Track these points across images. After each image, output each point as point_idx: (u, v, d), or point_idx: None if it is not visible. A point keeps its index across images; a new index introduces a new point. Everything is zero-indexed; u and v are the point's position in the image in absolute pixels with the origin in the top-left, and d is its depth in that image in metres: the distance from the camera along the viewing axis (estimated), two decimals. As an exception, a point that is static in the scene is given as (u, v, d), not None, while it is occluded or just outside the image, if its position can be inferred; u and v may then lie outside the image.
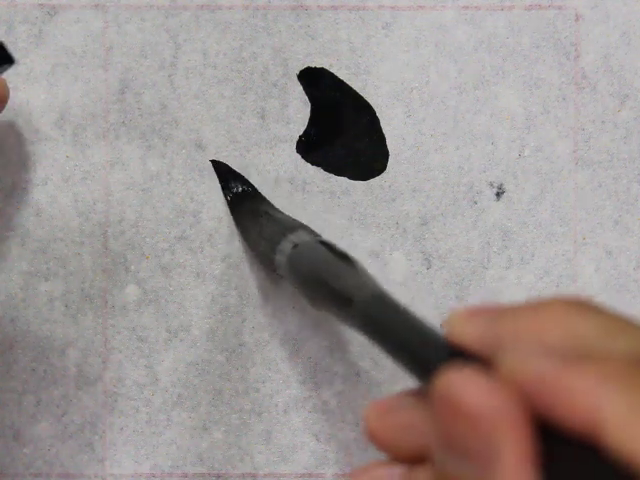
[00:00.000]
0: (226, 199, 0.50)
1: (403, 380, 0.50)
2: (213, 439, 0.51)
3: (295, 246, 0.43)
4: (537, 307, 0.30)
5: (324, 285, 0.39)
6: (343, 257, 0.40)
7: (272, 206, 0.50)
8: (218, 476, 0.51)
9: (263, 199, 0.50)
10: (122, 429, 0.50)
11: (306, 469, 0.51)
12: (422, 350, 0.31)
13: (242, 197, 0.50)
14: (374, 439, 0.33)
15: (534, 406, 0.28)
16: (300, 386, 0.51)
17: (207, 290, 0.51)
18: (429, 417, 0.31)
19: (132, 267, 0.50)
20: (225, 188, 0.50)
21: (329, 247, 0.42)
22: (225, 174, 0.50)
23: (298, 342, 0.51)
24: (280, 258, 0.44)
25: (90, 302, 0.50)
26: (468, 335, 0.31)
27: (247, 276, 0.51)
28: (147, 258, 0.51)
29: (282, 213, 0.49)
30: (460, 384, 0.28)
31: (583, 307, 0.30)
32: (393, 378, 0.51)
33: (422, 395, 0.32)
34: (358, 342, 0.51)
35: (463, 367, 0.29)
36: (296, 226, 0.46)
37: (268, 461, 0.51)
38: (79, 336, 0.50)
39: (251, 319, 0.51)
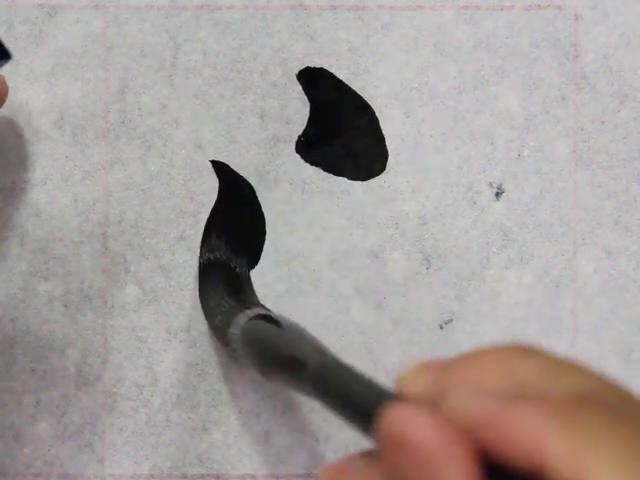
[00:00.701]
0: (199, 260, 0.50)
1: (403, 380, 0.50)
2: (212, 440, 0.51)
3: (250, 319, 0.44)
4: (478, 354, 0.31)
5: (277, 352, 0.40)
6: (294, 327, 0.42)
7: (241, 276, 0.50)
8: (217, 477, 0.51)
9: (233, 269, 0.50)
10: (122, 429, 0.50)
11: (305, 469, 0.51)
12: (376, 408, 0.31)
13: (213, 265, 0.50)
14: None
15: (478, 443, 0.28)
16: (300, 386, 0.51)
17: (207, 290, 0.51)
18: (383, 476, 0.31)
19: (132, 267, 0.50)
20: (202, 253, 0.50)
21: (280, 320, 0.43)
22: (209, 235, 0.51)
23: (298, 342, 0.51)
24: (234, 331, 0.45)
25: (90, 302, 0.50)
26: (415, 387, 0.31)
27: (247, 276, 0.51)
28: (147, 258, 0.51)
29: (248, 286, 0.50)
30: (404, 418, 0.28)
31: (523, 351, 0.31)
32: (393, 378, 0.51)
33: (377, 455, 0.32)
34: (358, 343, 0.51)
35: (407, 404, 0.29)
36: (255, 303, 0.47)
37: (267, 462, 0.51)
38: (79, 336, 0.50)
39: (251, 319, 0.51)
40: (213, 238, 0.50)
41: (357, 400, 0.33)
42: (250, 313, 0.45)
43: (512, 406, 0.28)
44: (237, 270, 0.50)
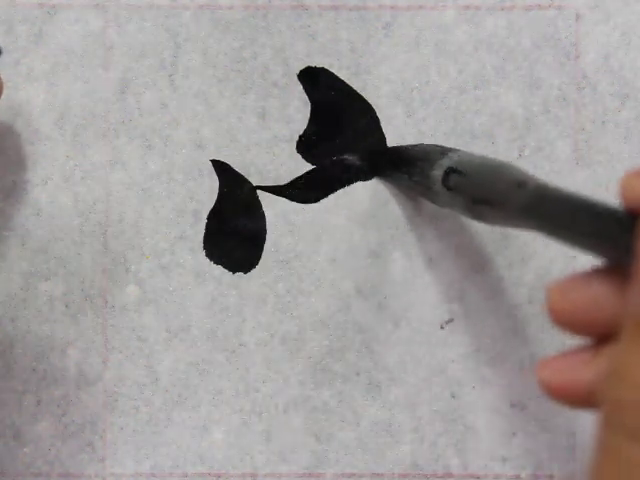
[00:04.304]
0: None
1: (401, 380, 0.50)
2: (213, 439, 0.51)
3: (455, 159, 0.44)
4: None
5: (496, 175, 0.39)
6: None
7: None
8: (218, 476, 0.51)
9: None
10: (122, 429, 0.50)
11: (306, 469, 0.51)
12: (605, 223, 0.32)
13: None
14: (559, 318, 0.33)
15: None
16: (300, 386, 0.51)
17: (207, 290, 0.51)
18: (621, 291, 0.32)
19: (132, 267, 0.50)
20: None
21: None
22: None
23: (298, 342, 0.51)
24: (438, 173, 0.44)
25: (90, 302, 0.50)
26: None
27: (248, 276, 0.51)
28: (147, 258, 0.51)
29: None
30: None
31: None
32: (393, 378, 0.51)
33: (608, 271, 0.32)
34: (358, 342, 0.51)
35: None
36: (453, 148, 0.47)
37: (268, 461, 0.51)
38: (79, 336, 0.50)
39: (251, 319, 0.51)
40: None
41: (583, 219, 0.33)
42: (454, 156, 0.44)
43: None
44: None
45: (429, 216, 0.51)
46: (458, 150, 0.45)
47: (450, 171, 0.43)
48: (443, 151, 0.45)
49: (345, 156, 0.50)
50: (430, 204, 0.51)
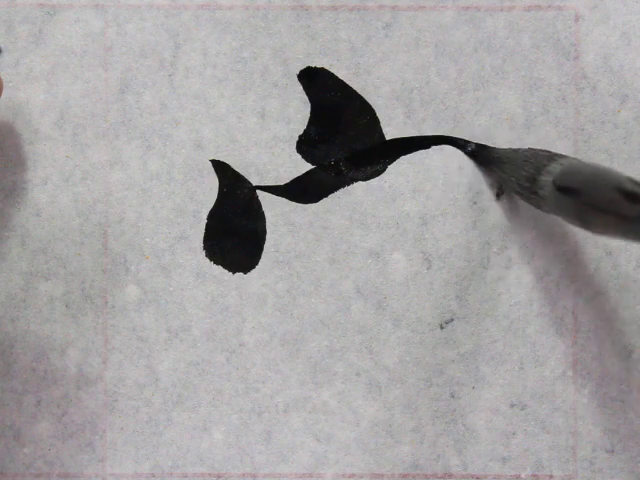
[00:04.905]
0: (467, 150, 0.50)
1: (401, 380, 0.50)
2: (213, 439, 0.51)
3: (564, 166, 0.43)
4: None
5: (607, 185, 0.39)
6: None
7: None
8: (218, 476, 0.51)
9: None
10: (122, 429, 0.50)
11: (306, 469, 0.51)
12: None
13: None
14: None
15: None
16: (300, 386, 0.51)
17: (207, 290, 0.51)
18: None
19: (132, 267, 0.50)
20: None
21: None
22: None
23: (298, 342, 0.51)
24: (546, 179, 0.44)
25: (90, 302, 0.50)
26: None
27: (248, 276, 0.51)
28: (147, 258, 0.51)
29: None
30: None
31: None
32: (393, 378, 0.51)
33: None
34: (358, 342, 0.51)
35: None
36: (561, 154, 0.46)
37: (268, 461, 0.51)
38: (79, 336, 0.50)
39: (251, 319, 0.51)
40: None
41: None
42: (563, 162, 0.44)
43: None
44: None
45: (431, 216, 0.51)
46: (567, 156, 0.45)
47: (561, 179, 0.43)
48: (551, 157, 0.45)
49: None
50: (431, 203, 0.51)
